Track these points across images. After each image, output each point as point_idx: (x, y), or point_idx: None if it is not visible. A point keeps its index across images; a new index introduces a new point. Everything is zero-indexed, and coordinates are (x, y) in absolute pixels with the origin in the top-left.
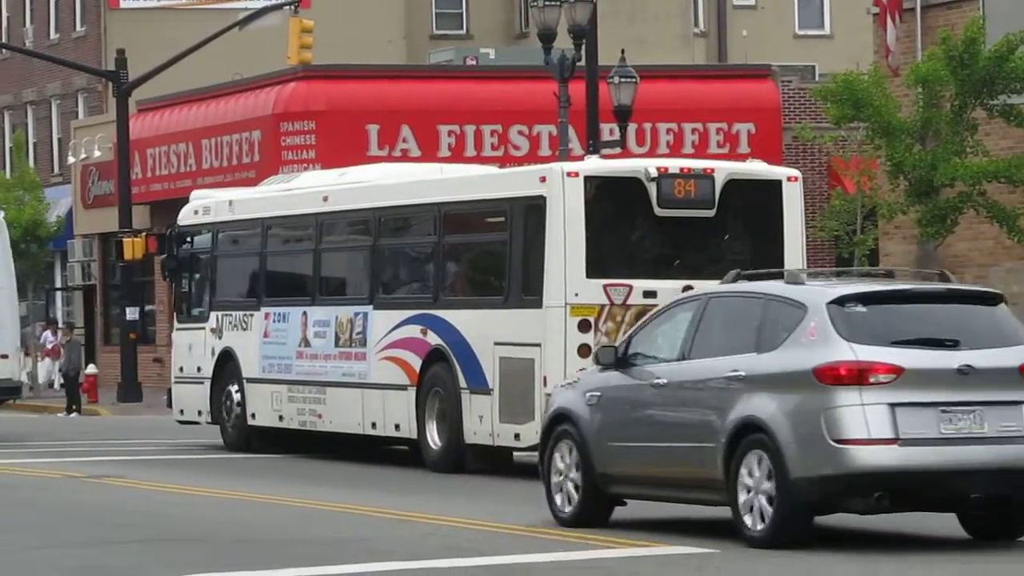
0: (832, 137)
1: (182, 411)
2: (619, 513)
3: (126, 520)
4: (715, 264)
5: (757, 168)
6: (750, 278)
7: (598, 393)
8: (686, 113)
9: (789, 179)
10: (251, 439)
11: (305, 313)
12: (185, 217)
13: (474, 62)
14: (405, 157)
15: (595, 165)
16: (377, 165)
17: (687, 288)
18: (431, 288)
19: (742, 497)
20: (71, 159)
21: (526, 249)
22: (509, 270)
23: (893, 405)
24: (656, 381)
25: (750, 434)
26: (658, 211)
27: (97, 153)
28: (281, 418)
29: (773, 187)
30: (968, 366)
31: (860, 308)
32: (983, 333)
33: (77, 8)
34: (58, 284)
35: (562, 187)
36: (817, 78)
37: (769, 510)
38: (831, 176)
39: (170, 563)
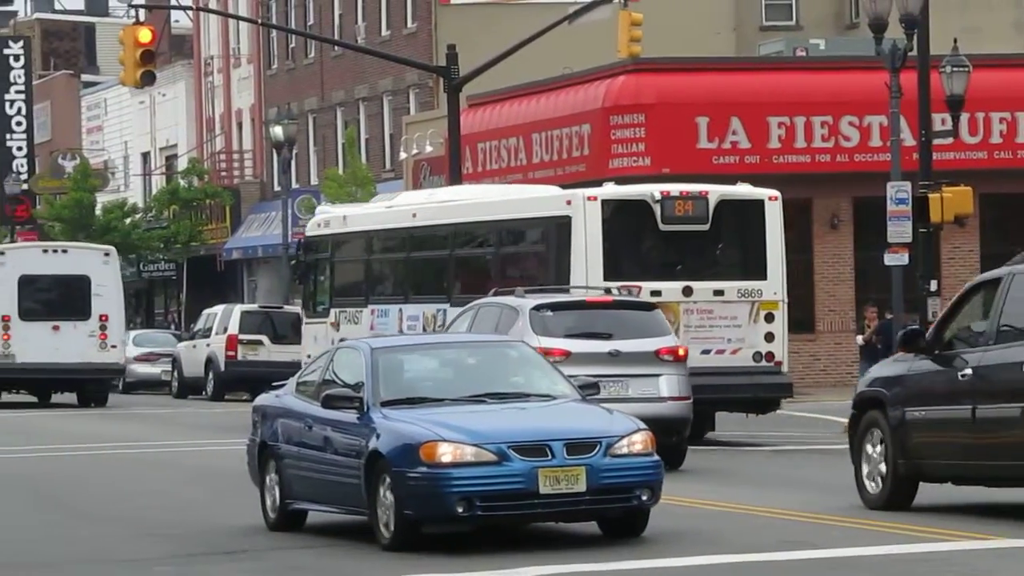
0: None
1: None
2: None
3: None
4: (710, 269)
5: (744, 190)
6: (499, 294)
7: None
8: (1020, 102)
9: (770, 199)
10: None
11: (401, 309)
12: (311, 229)
13: (804, 53)
14: (735, 149)
15: (611, 190)
16: (460, 187)
17: (687, 289)
18: (491, 289)
19: None
20: (403, 155)
21: (558, 258)
22: (545, 275)
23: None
24: None
25: None
26: (662, 226)
27: (428, 148)
28: None
29: (757, 206)
30: (617, 350)
31: (549, 313)
32: (635, 329)
33: (408, 5)
34: None
35: (583, 209)
36: None
37: None
38: None
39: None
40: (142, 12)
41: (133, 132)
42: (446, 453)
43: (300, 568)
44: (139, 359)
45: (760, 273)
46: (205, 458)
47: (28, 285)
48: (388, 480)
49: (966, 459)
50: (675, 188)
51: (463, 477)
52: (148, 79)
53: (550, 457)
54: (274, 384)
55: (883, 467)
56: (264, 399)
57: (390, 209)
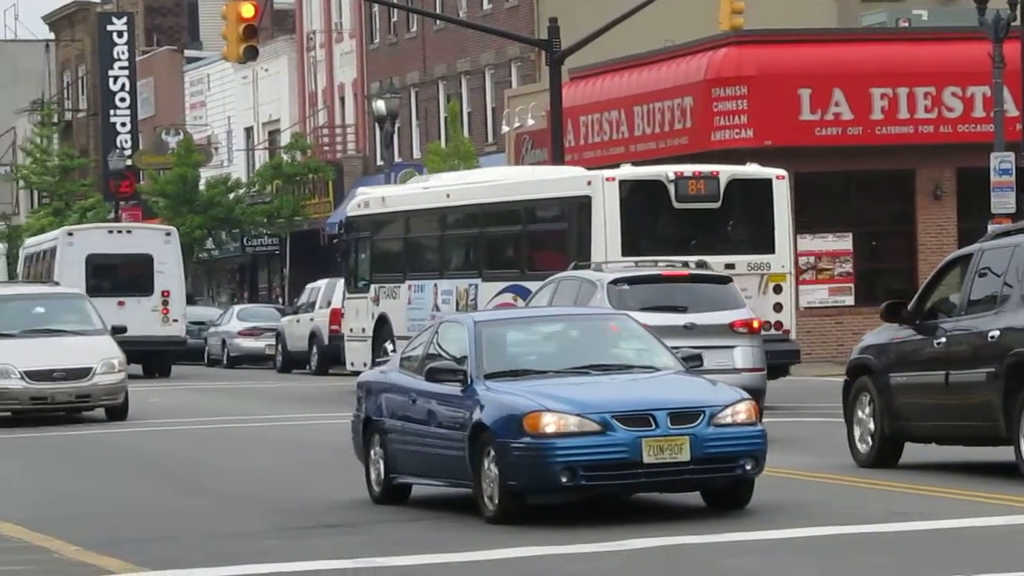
0: None
1: (352, 363)
2: None
3: None
4: (721, 244)
5: (753, 170)
6: (578, 267)
7: None
8: None
9: (778, 177)
10: None
11: (436, 285)
12: (352, 210)
13: (906, 24)
14: (837, 121)
15: (627, 171)
16: (490, 169)
17: (700, 263)
18: (519, 264)
19: None
20: (505, 128)
21: (580, 235)
22: (567, 251)
23: None
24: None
25: None
26: (676, 204)
27: (530, 122)
28: None
29: (765, 184)
30: (692, 323)
31: (626, 286)
32: (710, 302)
33: None
34: None
35: (602, 188)
36: None
37: None
38: None
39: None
40: None
41: (236, 107)
42: (550, 423)
43: (405, 541)
44: (243, 334)
45: (769, 247)
46: (310, 432)
47: (95, 264)
48: (492, 452)
49: (942, 420)
50: (688, 169)
51: (567, 447)
52: (251, 54)
53: (654, 427)
54: (378, 360)
55: (872, 428)
56: (369, 375)
57: (426, 190)
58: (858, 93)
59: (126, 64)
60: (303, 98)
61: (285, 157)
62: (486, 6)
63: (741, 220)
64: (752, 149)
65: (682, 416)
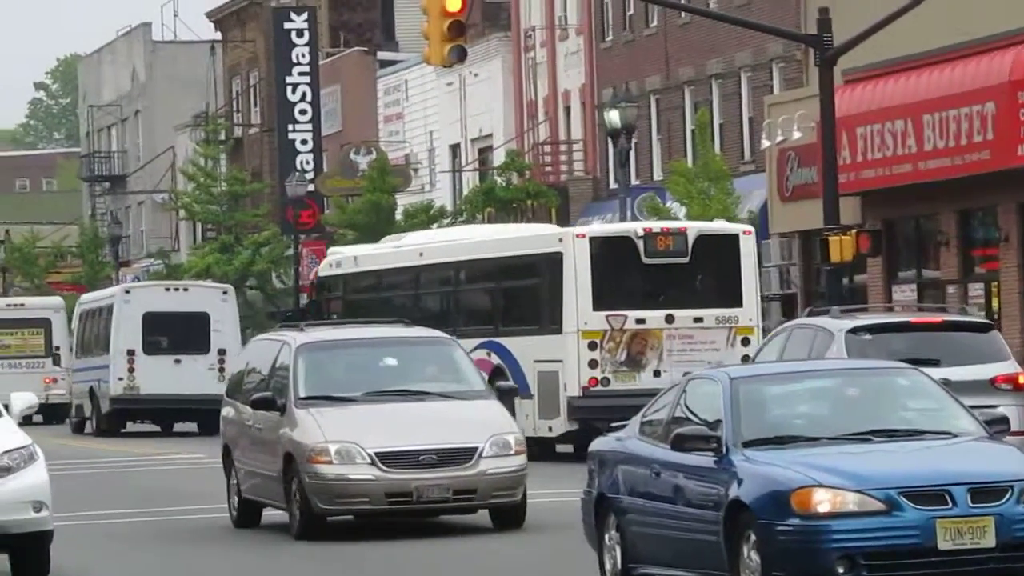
0: None
1: None
2: None
3: None
4: (690, 298)
5: (720, 225)
6: (812, 314)
7: None
8: None
9: (745, 233)
10: None
11: None
12: (323, 270)
13: None
14: None
15: (597, 228)
16: (461, 227)
17: (669, 317)
18: (493, 321)
19: None
20: (765, 142)
21: (551, 291)
22: (540, 307)
23: None
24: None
25: None
26: (645, 260)
27: (796, 134)
28: None
29: (732, 240)
30: (946, 379)
31: (868, 336)
32: (968, 354)
33: None
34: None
35: (573, 246)
36: None
37: None
38: None
39: None
40: None
41: (440, 120)
42: (823, 501)
43: None
44: None
45: (736, 301)
46: (532, 513)
47: (151, 321)
48: (752, 536)
49: None
50: (656, 225)
51: (844, 530)
52: (458, 56)
53: (950, 505)
54: (613, 424)
55: None
56: (602, 443)
57: (399, 249)
58: None
59: (307, 70)
60: (520, 109)
61: (499, 179)
62: None
63: (709, 274)
64: None
65: (986, 492)
